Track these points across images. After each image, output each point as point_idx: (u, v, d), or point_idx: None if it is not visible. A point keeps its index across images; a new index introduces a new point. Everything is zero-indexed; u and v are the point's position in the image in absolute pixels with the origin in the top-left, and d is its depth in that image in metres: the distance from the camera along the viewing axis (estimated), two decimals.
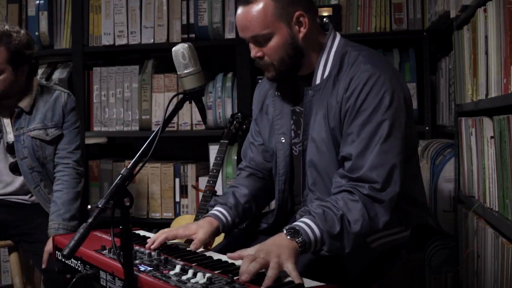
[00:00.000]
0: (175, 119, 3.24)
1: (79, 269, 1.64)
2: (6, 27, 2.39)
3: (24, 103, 2.49)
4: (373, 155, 1.60)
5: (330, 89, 1.71)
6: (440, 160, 2.61)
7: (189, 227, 1.79)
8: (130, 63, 3.41)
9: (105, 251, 1.60)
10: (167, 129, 1.57)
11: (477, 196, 2.13)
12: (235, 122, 2.82)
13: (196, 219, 2.57)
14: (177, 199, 3.28)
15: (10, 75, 2.39)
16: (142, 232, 1.94)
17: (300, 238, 1.50)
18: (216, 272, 1.42)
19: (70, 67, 3.45)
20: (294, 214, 1.88)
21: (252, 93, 2.04)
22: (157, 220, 3.27)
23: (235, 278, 1.35)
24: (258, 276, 1.38)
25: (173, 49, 1.62)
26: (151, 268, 1.45)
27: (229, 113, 3.14)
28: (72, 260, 1.67)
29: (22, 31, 2.44)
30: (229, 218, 1.87)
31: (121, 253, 1.36)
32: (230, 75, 3.24)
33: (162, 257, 1.54)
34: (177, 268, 1.42)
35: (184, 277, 1.37)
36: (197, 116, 3.22)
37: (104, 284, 1.52)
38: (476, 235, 2.13)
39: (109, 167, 3.39)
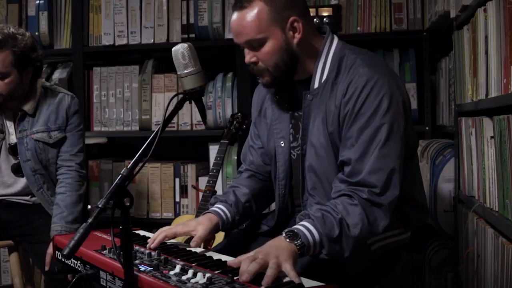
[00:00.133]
0: (175, 119, 3.24)
1: (79, 269, 1.64)
2: (12, 30, 2.39)
3: (27, 106, 2.49)
4: (372, 159, 1.60)
5: (328, 93, 1.71)
6: (440, 160, 2.61)
7: (188, 224, 1.79)
8: (130, 63, 3.41)
9: (105, 251, 1.60)
10: (167, 129, 1.56)
11: (477, 196, 2.13)
12: (235, 122, 2.83)
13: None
14: (177, 199, 3.28)
15: (15, 77, 2.39)
16: (142, 232, 1.94)
17: (299, 241, 1.50)
18: (216, 272, 1.42)
19: (70, 67, 3.45)
20: (294, 217, 1.88)
21: (252, 93, 2.04)
22: (157, 220, 3.27)
23: (235, 278, 1.35)
24: (258, 276, 1.38)
25: (173, 49, 1.62)
26: (151, 268, 1.45)
27: (229, 113, 3.14)
28: (72, 260, 1.67)
29: (27, 34, 2.44)
30: (229, 215, 1.86)
31: (121, 253, 1.36)
32: (230, 75, 3.24)
33: (162, 257, 1.54)
34: (177, 268, 1.42)
35: (184, 277, 1.37)
36: (197, 116, 3.22)
37: (104, 284, 1.52)
38: (476, 235, 2.13)
39: (109, 167, 3.39)
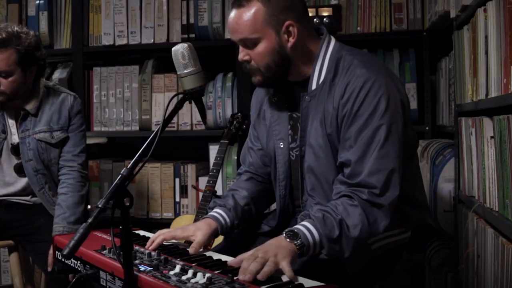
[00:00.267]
0: (175, 119, 3.24)
1: (79, 269, 1.64)
2: (16, 28, 2.40)
3: (30, 106, 2.50)
4: (371, 160, 1.61)
5: (326, 94, 1.71)
6: (440, 160, 2.61)
7: (187, 229, 1.79)
8: (130, 63, 3.40)
9: (105, 251, 1.60)
10: (167, 129, 1.57)
11: (477, 196, 2.13)
12: (235, 122, 2.83)
13: (196, 219, 2.57)
14: (177, 199, 3.28)
15: (19, 76, 2.40)
16: (142, 232, 1.94)
17: (298, 241, 1.51)
18: (216, 272, 1.42)
19: (70, 67, 3.45)
20: (295, 217, 1.89)
21: (252, 93, 2.04)
22: (157, 220, 3.27)
23: (235, 278, 1.35)
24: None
25: (173, 49, 1.62)
26: (151, 268, 1.45)
27: (229, 113, 3.14)
28: (72, 260, 1.67)
29: (31, 33, 2.45)
30: (227, 220, 1.87)
31: (121, 253, 1.36)
32: (230, 75, 3.24)
33: (162, 257, 1.54)
34: (177, 268, 1.42)
35: (184, 277, 1.37)
36: (197, 116, 3.22)
37: (104, 284, 1.52)
38: (476, 235, 2.13)
39: (109, 167, 3.38)
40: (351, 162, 1.63)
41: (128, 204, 1.37)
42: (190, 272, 1.38)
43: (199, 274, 1.36)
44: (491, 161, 1.90)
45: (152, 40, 3.30)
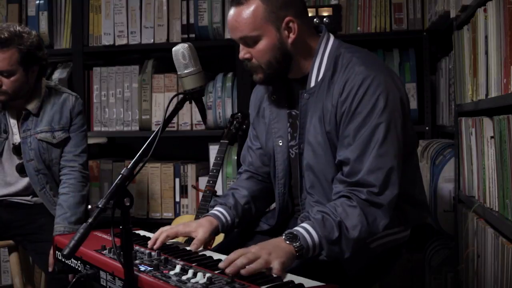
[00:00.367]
0: (175, 119, 3.24)
1: (79, 269, 1.64)
2: (18, 28, 2.41)
3: (31, 105, 2.50)
4: (370, 159, 1.61)
5: (324, 91, 1.71)
6: (440, 160, 2.61)
7: (189, 225, 1.80)
8: (130, 63, 3.40)
9: (105, 251, 1.60)
10: (167, 129, 1.57)
11: (477, 196, 2.13)
12: (235, 122, 2.82)
13: (196, 219, 2.56)
14: (177, 199, 3.28)
15: (21, 76, 2.40)
16: (142, 232, 1.94)
17: (297, 243, 1.51)
18: (216, 272, 1.42)
19: (70, 67, 3.45)
20: (294, 215, 1.89)
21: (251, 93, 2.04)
22: (157, 220, 3.27)
23: (235, 278, 1.35)
24: (258, 276, 1.38)
25: (173, 49, 1.62)
26: (151, 268, 1.45)
27: (229, 113, 3.14)
28: (72, 260, 1.67)
29: (33, 33, 2.46)
30: (228, 218, 1.87)
31: (121, 253, 1.36)
32: (230, 75, 3.24)
33: (162, 257, 1.54)
34: (177, 268, 1.42)
35: (184, 277, 1.37)
36: (197, 116, 3.22)
37: (104, 284, 1.52)
38: (476, 235, 2.13)
39: (109, 167, 3.38)
40: (350, 161, 1.63)
41: (128, 204, 1.37)
42: (190, 272, 1.38)
43: (199, 274, 1.37)
44: (491, 161, 1.90)
45: (152, 40, 3.30)
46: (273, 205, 1.99)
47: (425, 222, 1.92)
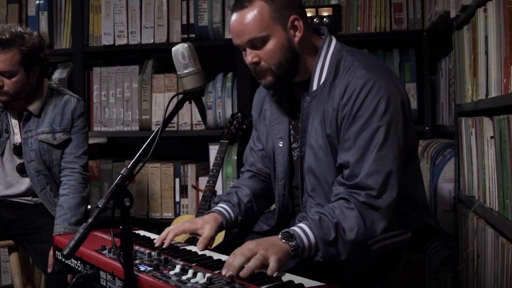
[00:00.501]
0: (175, 119, 3.24)
1: (79, 269, 1.64)
2: (19, 29, 2.42)
3: (33, 106, 2.50)
4: (369, 162, 1.60)
5: (326, 95, 1.71)
6: (440, 160, 2.61)
7: (195, 222, 1.81)
8: (130, 63, 3.40)
9: (105, 251, 1.60)
10: (167, 129, 1.57)
11: (477, 196, 2.13)
12: (235, 122, 2.82)
13: None
14: (177, 199, 3.28)
15: (22, 76, 2.41)
16: (142, 232, 1.94)
17: (293, 242, 1.51)
18: (216, 272, 1.42)
19: (70, 67, 3.45)
20: (294, 216, 1.89)
21: (252, 93, 2.04)
22: (157, 220, 3.27)
23: (235, 278, 1.35)
24: (258, 276, 1.38)
25: (173, 49, 1.62)
26: (151, 268, 1.45)
27: (229, 113, 3.14)
28: (72, 260, 1.67)
29: (35, 34, 2.47)
30: (232, 215, 1.88)
31: (121, 253, 1.36)
32: (230, 75, 3.24)
33: (162, 257, 1.54)
34: (177, 268, 1.42)
35: (184, 277, 1.37)
36: (197, 116, 3.22)
37: (104, 284, 1.52)
38: (476, 235, 2.13)
39: (109, 167, 3.38)
40: (349, 164, 1.63)
41: (128, 204, 1.37)
42: (190, 272, 1.38)
43: (199, 274, 1.36)
44: (491, 161, 1.90)
45: (152, 40, 3.30)
46: (273, 206, 1.99)
47: (425, 224, 1.91)
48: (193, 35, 3.24)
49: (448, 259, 2.65)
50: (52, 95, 2.57)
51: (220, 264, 1.51)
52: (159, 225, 3.06)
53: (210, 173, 2.70)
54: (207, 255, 1.61)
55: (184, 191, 3.27)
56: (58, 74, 3.44)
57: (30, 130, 2.51)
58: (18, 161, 2.54)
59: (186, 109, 3.23)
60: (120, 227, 1.36)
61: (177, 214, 3.26)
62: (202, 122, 3.20)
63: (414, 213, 1.81)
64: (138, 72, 3.34)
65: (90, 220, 1.33)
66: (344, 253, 1.57)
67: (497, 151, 1.79)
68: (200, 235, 1.78)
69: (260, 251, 1.43)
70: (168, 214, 3.27)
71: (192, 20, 3.25)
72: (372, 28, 3.08)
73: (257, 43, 1.70)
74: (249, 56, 1.72)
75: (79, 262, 1.64)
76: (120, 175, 1.38)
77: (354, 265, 1.66)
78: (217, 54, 3.35)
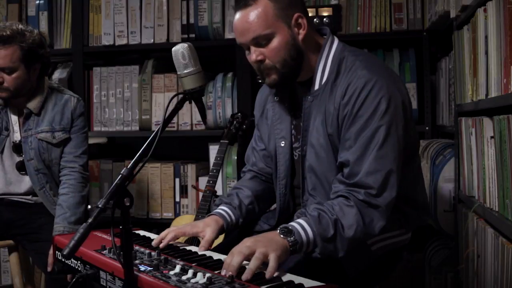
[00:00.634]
0: (175, 119, 3.24)
1: (79, 269, 1.64)
2: (20, 26, 2.44)
3: (33, 105, 2.51)
4: (369, 161, 1.61)
5: (328, 94, 1.71)
6: (440, 160, 2.61)
7: (196, 225, 1.80)
8: (130, 63, 3.41)
9: (105, 251, 1.60)
10: (167, 129, 1.57)
11: (477, 196, 2.13)
12: (235, 122, 2.82)
13: (196, 219, 2.56)
14: (177, 199, 3.28)
15: (22, 73, 2.42)
16: (142, 232, 1.94)
17: (292, 238, 1.51)
18: (216, 272, 1.42)
19: (70, 67, 3.46)
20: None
21: (252, 93, 2.05)
22: (157, 220, 3.27)
23: (235, 278, 1.35)
24: (258, 276, 1.38)
25: (173, 49, 1.62)
26: (151, 268, 1.45)
27: (229, 113, 3.14)
28: (72, 260, 1.67)
29: (35, 31, 2.49)
30: (233, 217, 1.88)
31: (121, 253, 1.36)
32: (230, 75, 3.24)
33: (162, 257, 1.54)
34: (177, 268, 1.42)
35: (184, 277, 1.37)
36: (197, 116, 3.22)
37: (104, 284, 1.52)
38: (476, 235, 2.13)
39: (109, 167, 3.39)
40: (350, 162, 1.63)
41: (128, 204, 1.37)
42: (190, 272, 1.38)
43: (199, 274, 1.36)
44: (491, 161, 1.90)
45: (152, 40, 3.30)
46: (274, 205, 1.99)
47: (426, 224, 1.91)
48: (193, 35, 3.24)
49: (448, 259, 2.65)
50: (52, 94, 2.57)
51: (220, 264, 1.51)
52: (159, 225, 3.06)
53: (210, 173, 2.70)
54: (207, 255, 1.61)
55: (184, 191, 3.27)
56: (58, 74, 3.44)
57: (30, 128, 2.51)
58: (18, 159, 2.54)
59: (186, 109, 3.23)
60: (120, 227, 1.36)
61: (177, 214, 3.26)
62: (202, 122, 3.20)
63: (415, 213, 1.81)
64: (138, 72, 3.34)
65: (90, 220, 1.33)
66: (342, 250, 1.57)
67: (497, 151, 1.79)
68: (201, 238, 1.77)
69: (258, 248, 1.42)
70: (168, 214, 3.27)
71: (192, 20, 3.25)
72: (372, 28, 3.08)
73: (261, 41, 1.70)
74: (254, 55, 1.72)
75: (79, 262, 1.64)
76: (120, 175, 1.38)
77: (354, 265, 1.66)
78: (217, 54, 3.35)
